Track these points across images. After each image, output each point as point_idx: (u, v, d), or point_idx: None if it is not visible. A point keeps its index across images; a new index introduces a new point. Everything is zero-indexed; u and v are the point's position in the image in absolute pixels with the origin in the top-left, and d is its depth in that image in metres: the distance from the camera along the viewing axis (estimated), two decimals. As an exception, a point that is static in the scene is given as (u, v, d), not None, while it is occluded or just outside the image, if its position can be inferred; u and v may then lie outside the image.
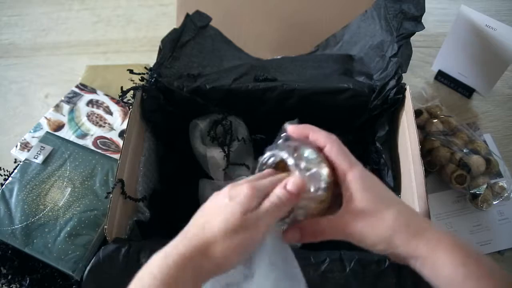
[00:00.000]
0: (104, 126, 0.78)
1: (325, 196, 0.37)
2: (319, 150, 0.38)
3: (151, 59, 0.68)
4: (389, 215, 0.35)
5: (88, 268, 0.46)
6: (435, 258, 0.32)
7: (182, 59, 0.68)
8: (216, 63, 0.70)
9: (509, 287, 0.30)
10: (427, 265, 0.33)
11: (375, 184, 0.37)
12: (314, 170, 0.36)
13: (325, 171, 0.37)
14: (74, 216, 0.58)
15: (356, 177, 0.36)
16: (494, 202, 0.67)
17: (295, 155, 0.37)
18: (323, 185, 0.36)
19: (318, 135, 0.38)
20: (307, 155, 0.37)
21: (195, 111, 0.66)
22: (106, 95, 0.83)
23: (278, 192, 0.35)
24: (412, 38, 0.62)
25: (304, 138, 0.39)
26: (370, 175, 0.37)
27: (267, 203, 0.35)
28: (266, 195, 0.36)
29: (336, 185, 0.38)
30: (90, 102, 0.81)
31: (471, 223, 0.68)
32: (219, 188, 0.64)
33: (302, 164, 0.37)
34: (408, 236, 0.34)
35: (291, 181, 0.35)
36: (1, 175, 0.71)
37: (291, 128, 0.39)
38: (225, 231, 0.33)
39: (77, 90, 0.83)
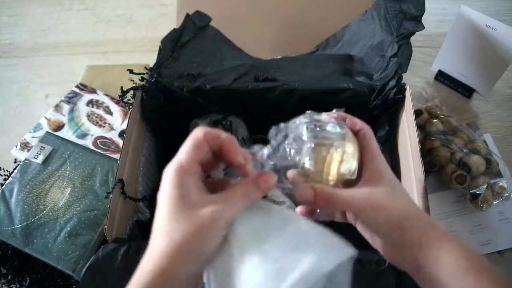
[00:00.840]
0: (104, 126, 0.78)
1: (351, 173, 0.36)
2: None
3: (151, 59, 0.68)
4: (406, 199, 0.35)
5: (86, 266, 0.46)
6: (440, 249, 0.32)
7: (182, 59, 0.68)
8: (216, 63, 0.70)
9: (510, 285, 0.30)
10: (430, 256, 0.32)
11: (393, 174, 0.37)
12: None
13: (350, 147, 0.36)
14: (74, 216, 0.58)
15: (384, 160, 0.36)
16: (494, 202, 0.66)
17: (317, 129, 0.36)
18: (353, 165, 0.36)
19: (355, 120, 0.39)
20: (330, 129, 0.37)
21: (195, 111, 0.66)
22: (106, 95, 0.83)
23: (247, 183, 0.32)
24: (412, 38, 0.62)
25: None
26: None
27: (233, 192, 0.31)
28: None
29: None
30: (90, 102, 0.81)
31: (471, 223, 0.68)
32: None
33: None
34: (420, 224, 0.33)
35: (264, 178, 0.32)
36: (1, 175, 0.71)
37: (330, 114, 0.41)
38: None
39: (77, 90, 0.83)
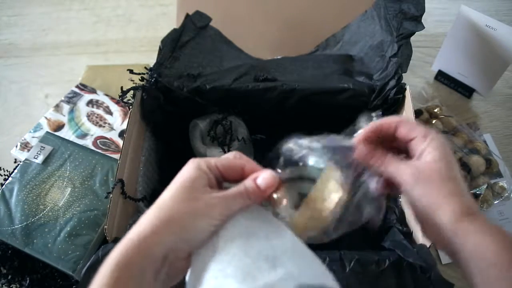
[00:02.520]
0: (104, 126, 0.78)
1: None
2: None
3: (151, 59, 0.68)
4: (459, 179, 0.35)
5: (86, 266, 0.46)
6: (483, 237, 0.31)
7: (182, 59, 0.68)
8: (216, 63, 0.70)
9: None
10: (472, 243, 0.31)
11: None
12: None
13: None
14: (74, 216, 0.58)
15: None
16: (495, 202, 0.66)
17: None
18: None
19: (387, 121, 0.38)
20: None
21: (195, 111, 0.66)
22: (106, 95, 0.83)
23: (247, 183, 0.33)
24: (412, 38, 0.62)
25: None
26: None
27: (234, 190, 0.33)
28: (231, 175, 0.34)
29: None
30: (90, 102, 0.81)
31: (471, 223, 0.68)
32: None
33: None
34: (469, 205, 0.33)
35: (263, 176, 0.34)
36: (1, 175, 0.71)
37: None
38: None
39: (77, 90, 0.83)
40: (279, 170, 0.36)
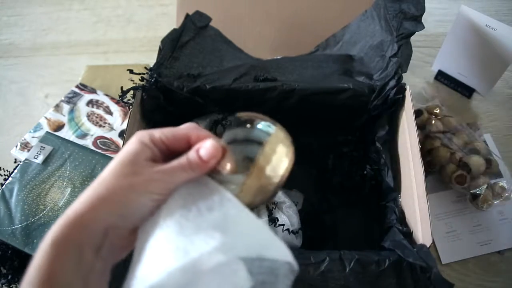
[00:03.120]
0: (104, 126, 0.78)
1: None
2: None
3: (151, 59, 0.68)
4: None
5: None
6: None
7: (182, 59, 0.68)
8: (216, 63, 0.70)
9: None
10: None
11: None
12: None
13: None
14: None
15: None
16: (495, 202, 0.66)
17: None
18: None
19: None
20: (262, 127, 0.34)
21: (195, 111, 0.66)
22: (106, 95, 0.83)
23: (190, 155, 0.31)
24: (412, 38, 0.62)
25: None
26: None
27: (175, 163, 0.31)
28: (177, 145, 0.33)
29: None
30: (90, 102, 0.81)
31: (471, 223, 0.68)
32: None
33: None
34: None
35: (205, 146, 0.31)
36: (1, 175, 0.71)
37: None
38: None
39: (77, 90, 0.83)
40: (225, 134, 0.34)
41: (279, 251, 0.29)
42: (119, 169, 0.30)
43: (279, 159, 0.32)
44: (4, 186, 0.61)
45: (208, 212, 0.29)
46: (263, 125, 0.33)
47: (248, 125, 0.34)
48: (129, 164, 0.30)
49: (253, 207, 0.32)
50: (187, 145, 0.33)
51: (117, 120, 0.79)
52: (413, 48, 0.62)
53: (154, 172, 0.30)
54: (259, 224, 0.30)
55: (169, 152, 0.33)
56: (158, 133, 0.32)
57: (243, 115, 0.34)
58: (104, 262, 0.30)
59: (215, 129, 0.66)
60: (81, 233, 0.28)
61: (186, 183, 0.31)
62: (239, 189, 0.32)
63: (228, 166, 0.32)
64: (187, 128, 0.33)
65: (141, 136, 0.32)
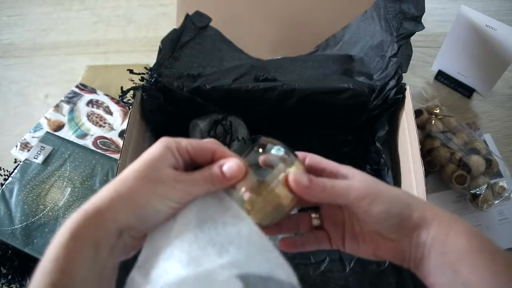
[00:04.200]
0: (104, 126, 0.78)
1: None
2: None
3: (151, 59, 0.68)
4: (397, 189, 0.34)
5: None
6: (449, 230, 0.31)
7: (182, 59, 0.68)
8: (216, 63, 0.70)
9: None
10: (438, 238, 0.31)
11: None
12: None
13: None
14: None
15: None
16: (495, 202, 0.66)
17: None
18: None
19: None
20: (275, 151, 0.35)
21: (195, 111, 0.66)
22: (106, 95, 0.83)
23: (213, 169, 0.32)
24: (412, 38, 0.62)
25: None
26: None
27: (198, 175, 0.32)
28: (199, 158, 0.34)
29: None
30: (90, 102, 0.81)
31: (471, 223, 0.68)
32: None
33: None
34: (422, 208, 0.32)
35: (228, 164, 0.32)
36: (1, 175, 0.71)
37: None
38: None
39: (77, 90, 0.83)
40: (246, 154, 0.36)
41: (285, 272, 0.30)
42: (143, 171, 0.30)
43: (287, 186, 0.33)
44: (4, 186, 0.61)
45: (222, 226, 0.30)
46: (282, 152, 0.34)
47: (268, 149, 0.35)
48: (154, 168, 0.31)
49: (262, 227, 0.33)
50: (209, 159, 0.34)
51: (117, 120, 0.79)
52: (413, 48, 0.62)
53: (176, 181, 0.31)
54: (270, 245, 0.30)
55: (191, 163, 0.34)
56: (185, 142, 0.33)
57: (267, 140, 0.36)
58: (114, 260, 0.30)
59: (215, 129, 0.66)
60: (100, 230, 0.28)
61: (203, 196, 0.32)
62: (250, 208, 0.33)
63: (245, 187, 0.33)
64: (213, 143, 0.34)
65: (168, 142, 0.32)
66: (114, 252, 0.29)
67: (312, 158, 0.36)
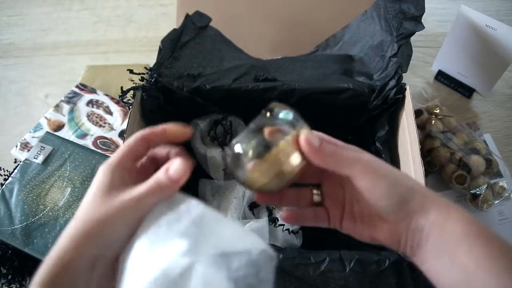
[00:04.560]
0: (104, 126, 0.78)
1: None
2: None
3: (151, 59, 0.68)
4: (405, 175, 0.34)
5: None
6: (448, 215, 0.31)
7: (182, 59, 0.68)
8: (216, 63, 0.70)
9: None
10: (437, 223, 0.31)
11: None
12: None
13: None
14: (74, 216, 0.58)
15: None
16: (495, 202, 0.66)
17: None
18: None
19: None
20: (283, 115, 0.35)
21: (195, 111, 0.66)
22: (106, 95, 0.83)
23: (159, 176, 0.32)
24: (412, 38, 0.62)
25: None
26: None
27: (144, 188, 0.31)
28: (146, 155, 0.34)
29: None
30: (90, 102, 0.81)
31: (471, 223, 0.67)
32: (219, 188, 0.64)
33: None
34: (424, 193, 0.33)
35: (174, 167, 0.32)
36: (1, 175, 0.71)
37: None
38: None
39: (77, 90, 0.83)
40: (256, 119, 0.36)
41: (251, 241, 0.29)
42: (92, 201, 0.31)
43: (296, 148, 0.34)
44: (4, 186, 0.61)
45: (176, 222, 0.30)
46: (291, 116, 0.35)
47: (276, 113, 0.35)
48: (101, 195, 0.31)
49: (266, 191, 0.33)
50: (147, 149, 0.35)
51: (117, 120, 0.79)
52: (413, 48, 0.62)
53: (125, 201, 0.30)
54: (227, 220, 0.31)
55: (135, 162, 0.34)
56: (115, 155, 0.33)
57: (276, 104, 0.36)
58: None
59: (215, 129, 0.66)
60: (68, 273, 0.28)
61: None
62: (255, 171, 0.33)
63: (251, 150, 0.34)
64: (138, 133, 0.35)
65: (105, 165, 0.32)
66: (91, 286, 0.29)
67: (321, 134, 0.36)
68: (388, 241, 0.35)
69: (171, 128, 0.35)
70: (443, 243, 0.31)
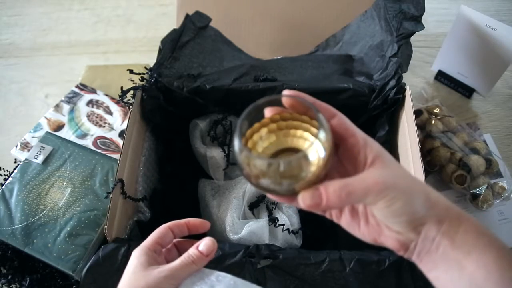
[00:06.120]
0: (104, 126, 0.78)
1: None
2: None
3: (151, 59, 0.68)
4: (416, 180, 0.32)
5: (87, 267, 0.46)
6: (459, 226, 0.30)
7: (182, 59, 0.68)
8: (216, 63, 0.70)
9: None
10: (448, 234, 0.30)
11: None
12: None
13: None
14: (74, 216, 0.58)
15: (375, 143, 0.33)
16: (495, 202, 0.66)
17: None
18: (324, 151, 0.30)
19: (324, 104, 0.33)
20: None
21: (195, 111, 0.66)
22: (106, 95, 0.83)
23: (191, 252, 0.39)
24: (412, 38, 0.62)
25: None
26: None
27: (178, 263, 0.38)
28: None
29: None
30: (90, 102, 0.81)
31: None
32: (219, 188, 0.64)
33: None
34: (439, 205, 0.31)
35: (204, 243, 0.39)
36: (1, 175, 0.71)
37: (289, 93, 0.32)
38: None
39: (77, 90, 0.83)
40: None
41: None
42: (133, 277, 0.37)
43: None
44: (4, 186, 0.61)
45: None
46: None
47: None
48: (139, 270, 0.37)
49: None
50: (184, 232, 0.42)
51: (117, 120, 0.79)
52: (413, 48, 0.62)
53: (162, 273, 0.37)
54: (255, 285, 0.37)
55: (163, 247, 0.41)
56: (147, 241, 0.40)
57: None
58: None
59: (215, 129, 0.66)
60: None
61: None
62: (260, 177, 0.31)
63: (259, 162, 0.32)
64: (165, 226, 0.42)
65: (139, 248, 0.39)
66: None
67: (341, 122, 0.32)
68: (394, 247, 0.33)
69: (192, 221, 0.42)
70: (453, 253, 0.30)
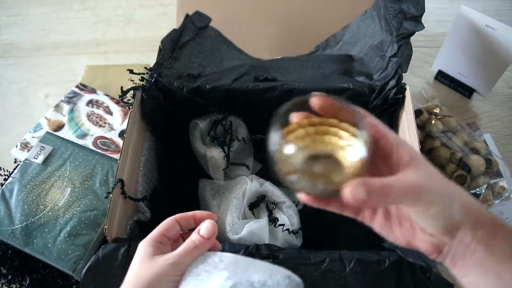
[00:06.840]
0: (104, 126, 0.78)
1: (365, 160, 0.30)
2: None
3: (151, 59, 0.68)
4: (452, 184, 0.32)
5: (87, 266, 0.46)
6: (495, 235, 0.30)
7: (182, 59, 0.68)
8: (216, 64, 0.70)
9: None
10: (484, 243, 0.30)
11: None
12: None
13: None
14: (74, 216, 0.58)
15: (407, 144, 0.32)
16: (495, 202, 0.66)
17: None
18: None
19: (354, 107, 0.32)
20: None
21: (195, 111, 0.66)
22: (106, 95, 0.83)
23: (193, 237, 0.40)
24: (412, 38, 0.62)
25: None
26: None
27: (182, 249, 0.39)
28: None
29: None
30: (90, 102, 0.81)
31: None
32: (219, 188, 0.64)
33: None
34: (475, 210, 0.31)
35: (204, 226, 0.41)
36: (1, 175, 0.71)
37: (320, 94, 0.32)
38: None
39: (77, 90, 0.83)
40: None
41: (280, 270, 0.37)
42: (139, 267, 0.39)
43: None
44: (4, 186, 0.61)
45: (214, 269, 0.38)
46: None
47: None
48: (145, 260, 0.39)
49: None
50: (191, 224, 0.44)
51: (117, 120, 0.79)
52: (413, 48, 0.62)
53: (166, 260, 0.39)
54: (256, 260, 0.40)
55: (170, 239, 0.43)
56: (154, 232, 0.41)
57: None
58: None
59: (215, 129, 0.66)
60: None
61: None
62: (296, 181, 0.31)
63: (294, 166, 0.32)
64: (171, 219, 0.43)
65: (146, 240, 0.41)
66: None
67: (372, 123, 0.32)
68: (427, 250, 0.32)
69: (199, 213, 0.44)
70: (489, 260, 0.30)
